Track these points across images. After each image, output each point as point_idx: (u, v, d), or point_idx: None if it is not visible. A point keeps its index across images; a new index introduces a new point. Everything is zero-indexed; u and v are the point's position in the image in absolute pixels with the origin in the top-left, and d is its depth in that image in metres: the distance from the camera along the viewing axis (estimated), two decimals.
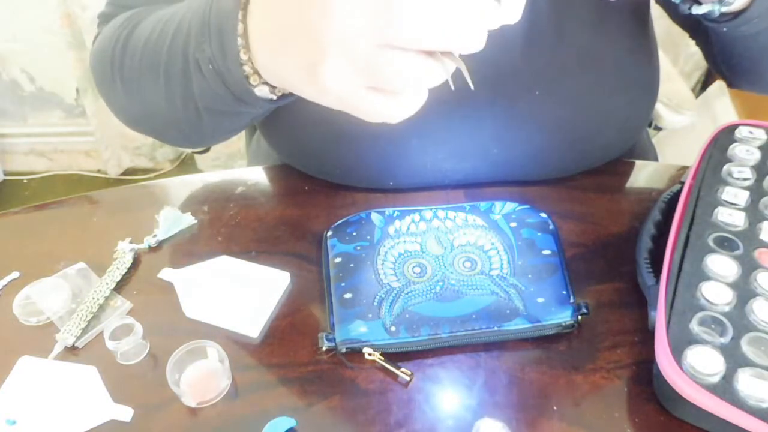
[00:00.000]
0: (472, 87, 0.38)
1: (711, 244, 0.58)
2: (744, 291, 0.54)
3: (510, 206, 0.67)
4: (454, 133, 0.67)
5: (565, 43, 0.65)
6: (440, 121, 0.66)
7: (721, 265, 0.56)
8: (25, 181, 2.05)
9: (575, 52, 0.65)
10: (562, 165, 0.72)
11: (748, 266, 0.56)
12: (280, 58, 0.37)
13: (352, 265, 0.62)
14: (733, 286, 0.54)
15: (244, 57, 0.40)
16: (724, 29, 0.63)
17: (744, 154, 0.66)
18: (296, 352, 0.58)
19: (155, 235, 0.67)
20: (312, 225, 0.69)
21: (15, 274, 0.65)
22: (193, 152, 1.82)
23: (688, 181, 0.65)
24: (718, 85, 1.56)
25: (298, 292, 0.63)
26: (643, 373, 0.55)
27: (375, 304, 0.58)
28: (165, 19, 0.49)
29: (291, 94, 0.43)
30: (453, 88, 0.38)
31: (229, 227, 0.69)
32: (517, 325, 0.56)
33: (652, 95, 0.73)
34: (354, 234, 0.64)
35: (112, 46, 0.57)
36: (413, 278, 0.60)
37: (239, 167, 0.82)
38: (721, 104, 1.51)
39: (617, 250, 0.65)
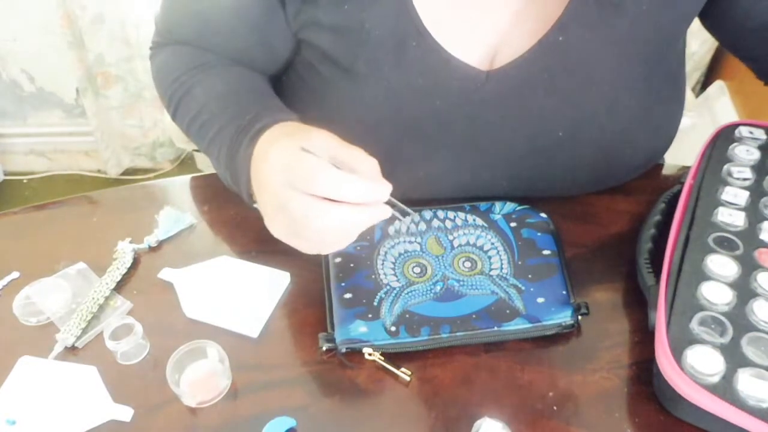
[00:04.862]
0: (401, 218, 0.55)
1: (711, 244, 0.58)
2: (744, 291, 0.54)
3: (510, 206, 0.67)
4: (462, 171, 0.66)
5: (594, 89, 0.62)
6: (451, 155, 0.65)
7: (721, 265, 0.56)
8: (25, 181, 2.05)
9: (604, 99, 0.62)
10: (573, 193, 0.71)
11: (748, 266, 0.56)
12: (260, 206, 0.56)
13: (352, 265, 0.62)
14: (733, 286, 0.54)
15: (248, 199, 0.59)
16: None
17: (744, 154, 0.66)
18: (296, 352, 0.58)
19: (155, 235, 0.67)
20: None
21: (15, 274, 0.65)
22: (194, 150, 1.82)
23: (688, 181, 0.65)
24: (718, 85, 1.56)
25: (298, 292, 0.63)
26: (643, 373, 0.55)
27: (375, 304, 0.58)
28: (205, 118, 0.64)
29: None
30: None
31: (229, 227, 0.69)
32: (517, 325, 0.56)
33: (676, 127, 0.70)
34: None
35: (167, 100, 0.70)
36: (413, 278, 0.60)
37: None
38: (721, 104, 1.51)
39: (617, 250, 0.65)
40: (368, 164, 0.51)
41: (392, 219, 0.61)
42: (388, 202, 0.51)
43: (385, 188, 0.50)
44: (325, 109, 0.66)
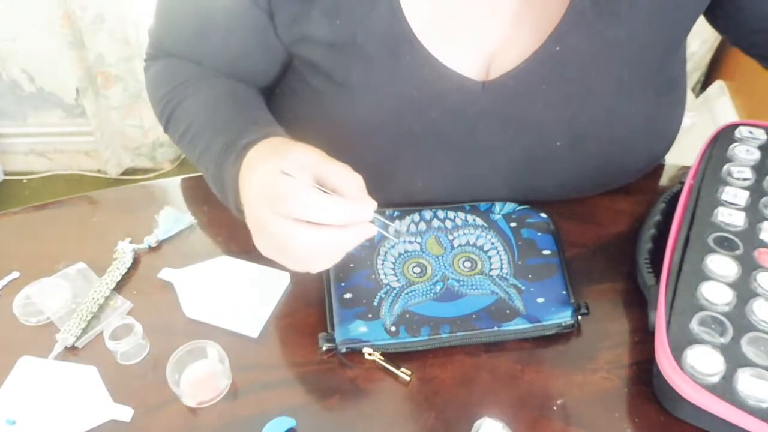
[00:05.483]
0: (388, 234, 0.56)
1: (711, 244, 0.58)
2: (744, 291, 0.54)
3: (510, 206, 0.67)
4: (460, 180, 0.66)
5: (593, 98, 0.61)
6: (449, 165, 0.65)
7: (721, 265, 0.56)
8: (25, 181, 2.05)
9: (604, 108, 0.62)
10: (573, 197, 0.70)
11: (748, 266, 0.56)
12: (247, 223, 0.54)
13: (352, 265, 0.62)
14: (733, 286, 0.54)
15: (237, 212, 0.58)
16: None
17: (744, 154, 0.66)
18: (296, 352, 0.58)
19: (155, 235, 0.67)
20: None
21: (15, 274, 0.65)
22: None
23: (688, 181, 0.65)
24: (718, 85, 1.56)
25: (298, 292, 0.63)
26: (643, 373, 0.55)
27: (375, 304, 0.58)
28: (194, 132, 0.64)
29: None
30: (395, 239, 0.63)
31: (229, 227, 0.69)
32: (517, 325, 0.56)
33: (676, 130, 0.70)
34: None
35: (159, 114, 0.70)
36: (413, 278, 0.60)
37: None
38: (721, 104, 1.51)
39: (617, 250, 0.65)
40: (352, 181, 0.50)
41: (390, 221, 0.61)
42: (373, 220, 0.50)
43: (369, 207, 0.49)
44: (320, 121, 0.65)
